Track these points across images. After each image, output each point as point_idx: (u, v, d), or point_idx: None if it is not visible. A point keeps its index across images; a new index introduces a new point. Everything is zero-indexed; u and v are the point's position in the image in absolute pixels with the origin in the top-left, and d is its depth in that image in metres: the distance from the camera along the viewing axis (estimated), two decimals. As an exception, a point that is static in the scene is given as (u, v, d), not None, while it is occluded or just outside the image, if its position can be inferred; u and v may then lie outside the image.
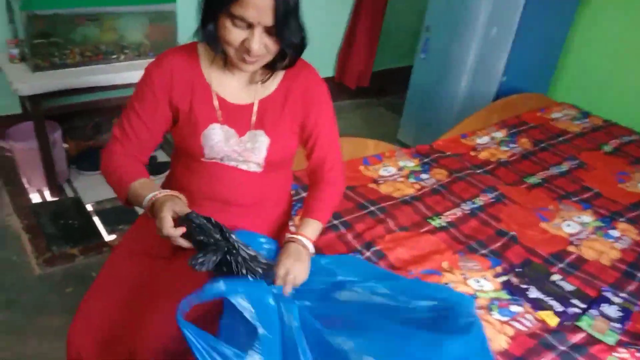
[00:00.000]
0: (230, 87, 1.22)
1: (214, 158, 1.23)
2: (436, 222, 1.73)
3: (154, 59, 1.21)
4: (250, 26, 1.05)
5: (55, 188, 2.51)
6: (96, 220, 2.40)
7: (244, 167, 1.25)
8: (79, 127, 2.95)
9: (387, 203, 1.79)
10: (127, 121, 1.21)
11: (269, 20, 1.04)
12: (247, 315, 1.01)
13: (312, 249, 1.23)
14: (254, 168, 1.26)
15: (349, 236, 1.58)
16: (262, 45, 1.08)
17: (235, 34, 1.07)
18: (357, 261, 1.43)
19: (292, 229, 1.55)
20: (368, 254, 1.51)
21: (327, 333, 1.03)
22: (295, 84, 1.25)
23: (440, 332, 1.09)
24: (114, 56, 2.54)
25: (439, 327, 1.12)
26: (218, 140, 1.21)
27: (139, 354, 1.11)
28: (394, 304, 1.18)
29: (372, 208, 1.73)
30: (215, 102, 1.21)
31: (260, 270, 1.07)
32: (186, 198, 1.16)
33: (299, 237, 1.23)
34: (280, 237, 1.43)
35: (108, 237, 2.30)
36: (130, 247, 1.31)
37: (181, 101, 1.20)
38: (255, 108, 1.23)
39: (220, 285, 1.01)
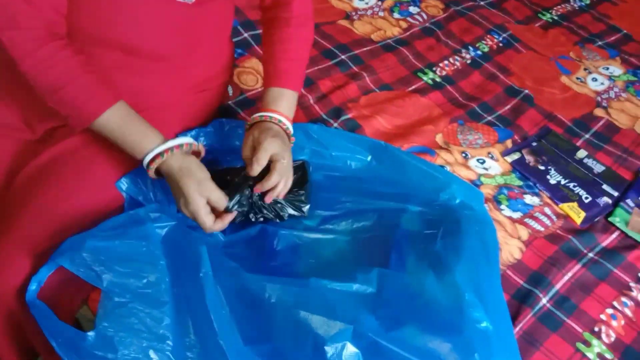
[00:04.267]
0: None
1: None
2: (428, 77, 1.28)
3: None
4: None
5: None
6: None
7: None
8: None
9: (364, 49, 1.30)
10: None
11: None
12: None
13: (290, 129, 0.82)
14: None
15: (310, 99, 1.13)
16: None
17: None
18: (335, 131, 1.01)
19: (229, 89, 1.08)
20: (335, 124, 1.08)
21: (246, 276, 0.67)
22: None
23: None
24: None
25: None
26: None
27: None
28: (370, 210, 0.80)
29: (343, 57, 1.25)
30: None
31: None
32: (73, 42, 0.73)
33: (271, 113, 0.80)
34: (215, 107, 0.98)
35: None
36: None
37: None
38: None
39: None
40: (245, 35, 1.24)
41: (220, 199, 0.73)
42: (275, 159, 0.75)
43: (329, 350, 0.61)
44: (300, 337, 0.63)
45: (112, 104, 0.72)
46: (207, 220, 0.72)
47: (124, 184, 0.79)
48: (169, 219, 0.75)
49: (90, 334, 0.64)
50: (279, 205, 0.80)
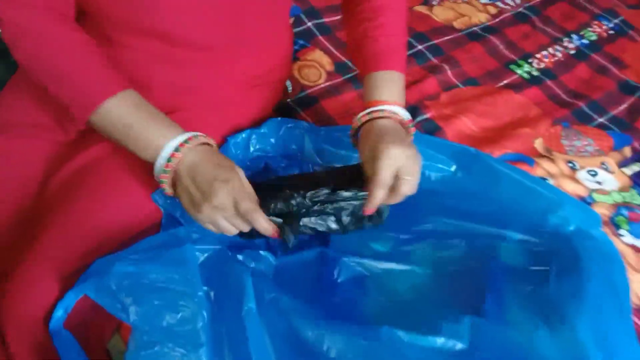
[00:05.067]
0: None
1: None
2: (524, 70, 1.08)
3: None
4: None
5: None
6: None
7: None
8: None
9: (445, 38, 1.12)
10: None
11: None
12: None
13: (408, 118, 0.66)
14: None
15: (381, 96, 0.97)
16: None
17: None
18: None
19: (288, 84, 0.96)
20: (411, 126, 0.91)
21: (301, 318, 0.53)
22: None
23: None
24: None
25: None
26: None
27: (7, 318, 0.63)
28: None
29: (420, 47, 1.09)
30: None
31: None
32: (98, 30, 0.65)
33: (384, 106, 0.64)
34: (271, 106, 0.86)
35: None
36: (9, 119, 0.76)
37: None
38: None
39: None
40: (309, 24, 1.10)
41: (262, 218, 0.58)
42: (400, 176, 0.58)
43: None
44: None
45: (119, 90, 0.60)
46: (242, 206, 0.56)
47: (161, 196, 0.68)
48: (213, 241, 0.63)
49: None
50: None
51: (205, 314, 0.56)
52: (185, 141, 0.58)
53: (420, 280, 0.63)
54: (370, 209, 0.60)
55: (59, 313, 0.59)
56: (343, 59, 1.03)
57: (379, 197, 0.58)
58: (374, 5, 0.69)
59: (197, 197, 0.57)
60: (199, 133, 0.60)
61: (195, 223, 0.65)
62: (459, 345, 0.53)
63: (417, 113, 0.93)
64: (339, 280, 0.63)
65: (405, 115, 0.65)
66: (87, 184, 0.68)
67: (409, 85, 0.99)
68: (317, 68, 1.01)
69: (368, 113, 0.63)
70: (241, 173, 0.59)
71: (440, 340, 0.53)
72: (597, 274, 0.58)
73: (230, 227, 0.58)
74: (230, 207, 0.57)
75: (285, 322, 0.55)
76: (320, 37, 1.07)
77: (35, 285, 0.62)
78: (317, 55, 1.04)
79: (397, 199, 0.60)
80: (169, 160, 0.58)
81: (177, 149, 0.58)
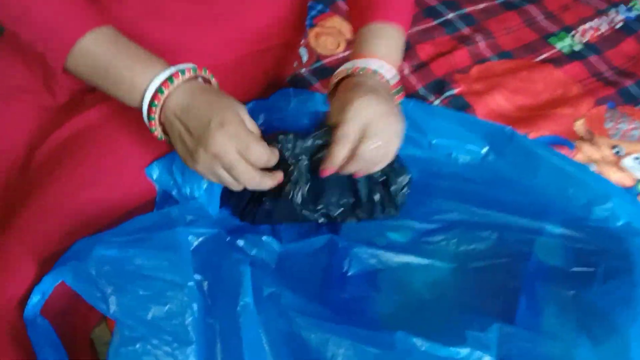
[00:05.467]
0: None
1: None
2: (565, 43, 0.98)
3: None
4: None
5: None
6: None
7: None
8: None
9: (477, 6, 1.03)
10: None
11: None
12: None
13: (395, 80, 0.57)
14: None
15: (405, 68, 0.89)
16: None
17: None
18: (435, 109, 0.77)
19: (303, 53, 0.88)
20: (437, 102, 0.83)
21: (304, 320, 0.46)
22: None
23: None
24: None
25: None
26: None
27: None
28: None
29: (450, 15, 0.99)
30: None
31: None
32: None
33: (368, 61, 0.55)
34: (282, 71, 0.78)
35: None
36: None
37: None
38: None
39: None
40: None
41: (263, 152, 0.50)
42: (365, 135, 0.51)
43: None
44: None
45: (95, 26, 0.53)
46: (253, 152, 0.49)
47: (155, 170, 0.61)
48: (208, 224, 0.56)
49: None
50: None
51: (195, 307, 0.50)
52: (169, 79, 0.50)
53: (443, 278, 0.55)
54: (327, 168, 0.52)
55: (35, 299, 0.53)
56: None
57: (337, 155, 0.51)
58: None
59: (193, 145, 0.50)
60: (186, 65, 0.52)
61: (191, 202, 0.59)
62: (486, 358, 0.45)
63: (445, 88, 0.85)
64: (349, 274, 0.56)
65: (391, 74, 0.55)
66: (73, 156, 0.61)
67: (436, 57, 0.91)
68: (336, 36, 0.93)
69: (348, 68, 0.55)
70: (242, 110, 0.51)
71: (464, 351, 0.45)
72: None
73: (232, 180, 0.51)
74: (232, 152, 0.49)
75: (286, 321, 0.48)
76: (341, 2, 0.98)
77: (10, 268, 0.56)
78: (337, 22, 0.95)
79: (355, 165, 0.52)
80: (152, 103, 0.50)
81: (159, 90, 0.50)
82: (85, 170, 0.61)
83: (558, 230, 0.56)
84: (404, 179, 0.59)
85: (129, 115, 0.61)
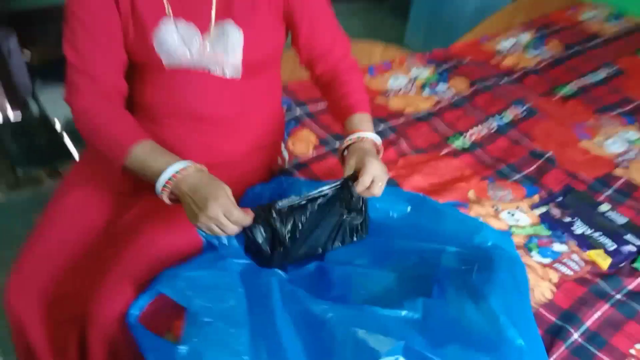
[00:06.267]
0: None
1: (178, 65, 0.92)
2: (458, 143, 1.43)
3: None
4: None
5: (17, 104, 2.20)
6: (66, 138, 2.10)
7: (217, 72, 0.95)
8: (42, 34, 2.53)
9: (398, 121, 1.48)
10: (77, 39, 0.88)
11: None
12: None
13: (380, 143, 0.97)
14: (230, 73, 0.95)
15: (354, 162, 1.29)
16: None
17: None
18: None
19: (285, 154, 1.26)
20: (378, 183, 1.23)
21: (311, 302, 0.80)
22: None
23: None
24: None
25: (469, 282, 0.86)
26: (175, 41, 0.90)
27: (92, 319, 0.87)
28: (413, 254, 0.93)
29: (381, 127, 1.43)
30: None
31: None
32: (148, 116, 0.94)
33: (360, 134, 0.94)
34: (271, 163, 1.15)
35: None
36: (84, 176, 1.04)
37: None
38: None
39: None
40: (298, 110, 1.44)
41: (242, 216, 0.82)
42: (375, 181, 0.87)
43: (384, 361, 0.71)
44: (359, 352, 0.74)
45: (141, 139, 0.86)
46: (234, 216, 0.80)
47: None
48: (244, 258, 0.90)
49: (183, 347, 0.76)
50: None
51: (244, 304, 0.82)
52: (185, 168, 0.82)
53: (390, 281, 0.91)
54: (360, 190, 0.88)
55: (136, 311, 0.83)
56: (325, 135, 1.36)
57: (361, 192, 0.88)
58: (341, 82, 1.02)
59: (197, 210, 0.80)
60: (192, 162, 0.83)
61: (230, 247, 0.92)
62: (416, 316, 0.80)
63: (381, 173, 1.25)
64: (333, 280, 0.91)
65: (378, 140, 0.95)
66: (147, 221, 0.94)
67: (374, 154, 1.33)
68: (307, 142, 1.33)
69: (357, 137, 0.93)
70: (228, 190, 0.81)
71: (403, 312, 0.80)
72: (504, 269, 0.87)
73: (220, 231, 0.81)
74: (221, 216, 0.79)
75: (300, 307, 0.81)
76: (307, 120, 1.41)
77: (114, 293, 0.87)
78: (306, 133, 1.37)
79: (372, 194, 0.89)
80: (170, 179, 0.82)
81: (177, 172, 0.82)
82: (156, 229, 0.93)
83: (454, 249, 0.93)
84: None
85: None
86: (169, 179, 0.82)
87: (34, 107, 2.24)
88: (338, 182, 0.90)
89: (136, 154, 0.86)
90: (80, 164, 1.06)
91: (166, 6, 0.89)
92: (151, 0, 0.89)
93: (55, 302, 0.94)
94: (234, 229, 0.83)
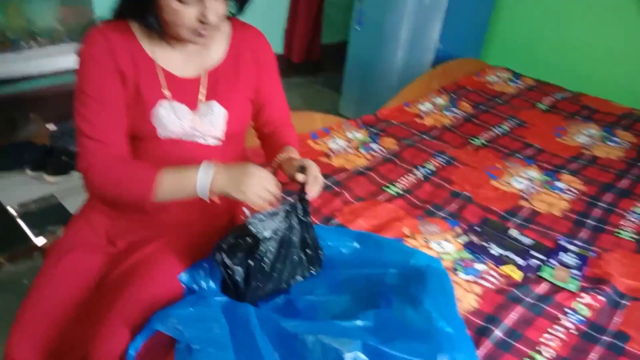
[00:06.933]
0: (175, 59, 1.12)
1: (170, 136, 1.13)
2: (392, 190, 1.69)
3: (83, 40, 1.06)
4: None
5: (-30, 194, 2.24)
6: (21, 223, 2.17)
7: (201, 141, 1.16)
8: (-11, 122, 2.65)
9: (341, 175, 1.73)
10: (89, 112, 1.05)
11: None
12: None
13: None
14: (212, 142, 1.17)
15: (306, 212, 1.51)
16: (216, 13, 1.00)
17: (186, 13, 0.99)
18: (329, 228, 1.38)
19: (246, 210, 1.46)
20: (328, 227, 1.44)
21: (283, 321, 0.98)
22: (244, 48, 1.18)
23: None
24: (24, 44, 2.29)
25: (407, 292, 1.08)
26: (170, 117, 1.11)
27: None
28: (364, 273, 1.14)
29: (327, 182, 1.67)
30: (161, 77, 1.10)
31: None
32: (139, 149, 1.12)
33: (292, 154, 1.18)
34: (236, 212, 1.34)
35: (37, 240, 2.08)
36: (74, 243, 1.17)
37: (127, 77, 1.07)
38: (204, 80, 1.13)
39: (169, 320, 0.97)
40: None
41: (274, 183, 1.02)
42: (316, 174, 1.09)
43: (347, 357, 0.90)
44: (326, 353, 0.92)
45: (159, 170, 1.03)
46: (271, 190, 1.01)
47: (182, 276, 1.11)
48: (222, 296, 1.07)
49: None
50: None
51: (227, 331, 0.98)
52: (211, 166, 1.01)
53: (346, 303, 1.11)
54: (314, 196, 1.10)
55: (132, 352, 0.97)
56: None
57: (313, 189, 1.09)
58: (278, 133, 1.26)
59: (244, 188, 0.99)
60: (209, 162, 1.02)
61: (210, 289, 1.09)
62: (369, 324, 1.00)
63: (330, 219, 1.48)
64: (299, 308, 1.09)
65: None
66: (136, 273, 1.10)
67: (323, 204, 1.55)
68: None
69: (284, 155, 1.16)
70: (259, 168, 1.01)
71: (359, 322, 0.99)
72: (433, 280, 1.09)
73: (261, 200, 1.01)
74: (261, 188, 1.00)
75: (275, 324, 0.98)
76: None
77: (112, 337, 1.00)
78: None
79: (319, 189, 1.10)
80: (207, 177, 1.00)
81: (209, 167, 1.01)
82: (144, 279, 1.08)
83: (394, 270, 1.15)
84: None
85: (165, 250, 1.13)
86: (206, 177, 1.00)
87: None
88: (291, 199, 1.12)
89: (164, 180, 1.02)
90: (69, 233, 1.21)
91: (164, 91, 1.10)
92: (152, 84, 1.09)
93: (56, 355, 1.05)
94: (269, 197, 1.02)
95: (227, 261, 1.05)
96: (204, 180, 1.01)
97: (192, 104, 1.13)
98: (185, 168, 1.03)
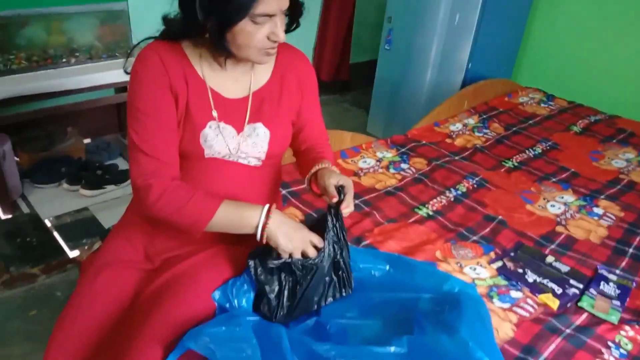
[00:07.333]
0: (224, 80, 1.13)
1: (214, 156, 1.14)
2: (423, 212, 1.67)
3: (137, 58, 1.08)
4: (269, 16, 1.01)
5: (8, 205, 2.31)
6: (57, 236, 2.22)
7: (244, 162, 1.17)
8: (31, 137, 2.73)
9: (371, 195, 1.72)
10: (145, 129, 1.06)
11: (286, 2, 1.01)
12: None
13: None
14: (253, 162, 1.18)
15: (337, 232, 1.50)
16: (283, 29, 1.05)
17: (259, 34, 1.02)
18: (360, 250, 1.36)
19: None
20: (359, 249, 1.43)
21: (314, 344, 0.96)
22: (289, 70, 1.19)
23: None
24: (64, 60, 2.37)
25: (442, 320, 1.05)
26: (217, 139, 1.12)
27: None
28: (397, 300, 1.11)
29: (357, 201, 1.66)
30: (210, 98, 1.11)
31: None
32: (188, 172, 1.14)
33: (327, 164, 1.18)
34: None
35: (71, 253, 2.12)
36: (111, 259, 1.18)
37: (180, 96, 1.09)
38: (250, 101, 1.15)
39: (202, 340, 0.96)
40: (284, 192, 1.66)
41: (319, 240, 1.07)
42: (352, 194, 1.12)
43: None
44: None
45: (220, 203, 1.05)
46: (311, 250, 1.06)
47: (215, 294, 1.11)
48: (254, 315, 1.06)
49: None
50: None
51: (258, 352, 0.97)
52: (269, 210, 1.04)
53: (378, 327, 1.08)
54: (349, 211, 1.12)
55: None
56: (308, 211, 1.58)
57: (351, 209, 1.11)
58: (316, 152, 1.25)
59: (291, 241, 1.03)
60: (267, 206, 1.05)
61: (242, 308, 1.08)
62: (403, 350, 0.97)
63: (361, 240, 1.46)
64: (330, 332, 1.07)
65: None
66: (171, 290, 1.10)
67: (353, 224, 1.54)
68: (293, 217, 1.54)
69: (321, 165, 1.16)
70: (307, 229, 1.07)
71: (392, 349, 0.97)
72: (468, 307, 1.06)
73: (299, 253, 1.05)
74: (305, 243, 1.05)
75: (306, 347, 0.97)
76: (292, 199, 1.63)
77: (148, 355, 1.00)
78: (292, 210, 1.58)
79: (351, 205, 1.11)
80: (264, 222, 1.03)
81: (267, 216, 1.03)
82: (178, 297, 1.08)
83: (428, 296, 1.12)
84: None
85: (199, 266, 1.13)
86: (265, 223, 1.03)
87: (23, 208, 2.36)
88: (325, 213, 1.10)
89: (222, 214, 1.05)
90: (106, 247, 1.22)
91: (214, 112, 1.11)
92: (202, 105, 1.10)
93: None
94: (312, 251, 1.07)
95: (260, 270, 1.06)
96: (262, 222, 1.04)
97: (238, 125, 1.14)
98: (244, 206, 1.06)
